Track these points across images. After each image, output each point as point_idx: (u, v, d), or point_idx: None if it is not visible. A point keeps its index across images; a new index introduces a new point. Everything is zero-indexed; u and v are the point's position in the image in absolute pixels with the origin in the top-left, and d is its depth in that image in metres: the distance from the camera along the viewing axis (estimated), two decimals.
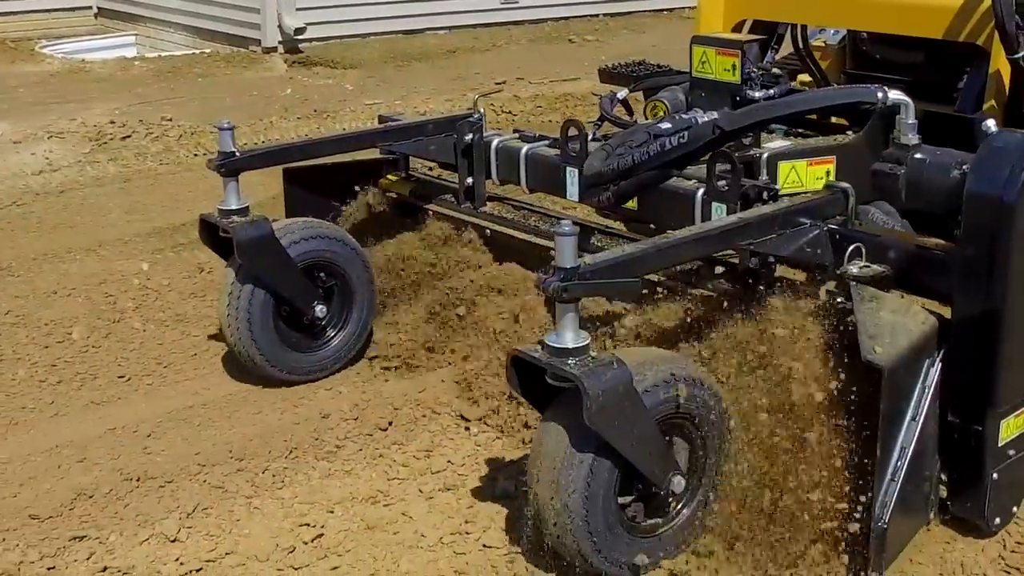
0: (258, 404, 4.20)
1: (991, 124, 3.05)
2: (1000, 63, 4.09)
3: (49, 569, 3.25)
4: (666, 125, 4.08)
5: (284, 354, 4.24)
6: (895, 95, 3.32)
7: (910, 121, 3.29)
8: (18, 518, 3.49)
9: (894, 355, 2.91)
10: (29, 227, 6.29)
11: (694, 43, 4.32)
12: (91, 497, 3.58)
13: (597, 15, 12.78)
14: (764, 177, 3.63)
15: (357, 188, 4.80)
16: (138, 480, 3.67)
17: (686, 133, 3.37)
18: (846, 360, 3.14)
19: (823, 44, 5.40)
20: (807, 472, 3.12)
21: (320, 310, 4.30)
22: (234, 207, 4.14)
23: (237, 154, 4.13)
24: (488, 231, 4.45)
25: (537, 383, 3.04)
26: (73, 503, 3.55)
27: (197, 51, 11.31)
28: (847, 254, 3.25)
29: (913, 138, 3.28)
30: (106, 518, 3.49)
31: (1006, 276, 2.94)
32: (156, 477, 3.70)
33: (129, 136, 7.98)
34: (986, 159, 2.97)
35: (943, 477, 3.22)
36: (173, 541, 3.35)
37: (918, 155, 3.24)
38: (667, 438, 3.08)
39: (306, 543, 3.33)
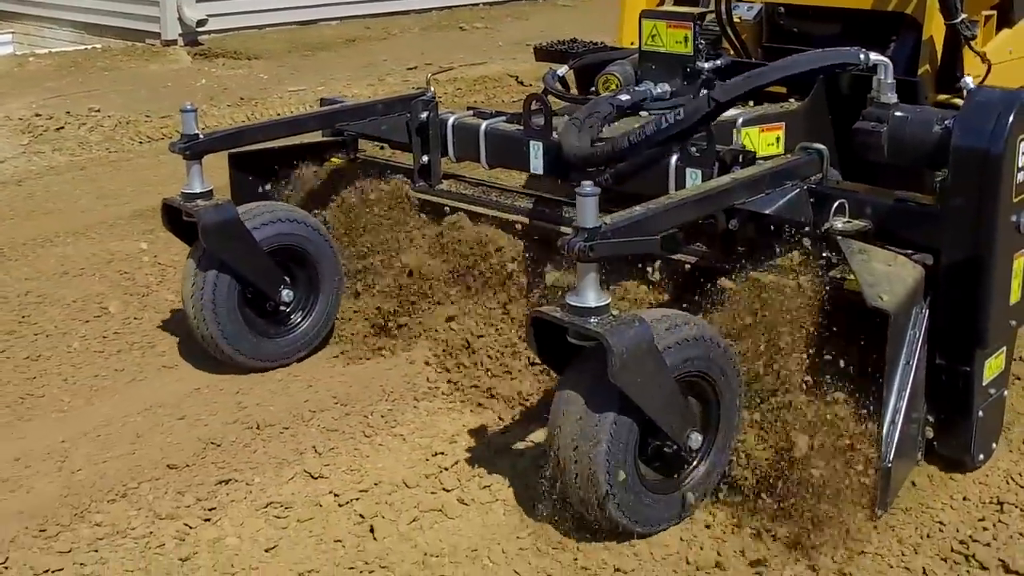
0: (329, 359, 4.35)
1: (969, 81, 3.22)
2: (933, 29, 4.30)
3: (210, 510, 3.36)
4: (625, 97, 4.21)
5: (250, 341, 4.18)
6: (875, 57, 3.48)
7: (889, 81, 3.45)
8: (156, 468, 3.60)
9: (896, 302, 3.05)
10: (3, 215, 6.23)
11: (644, 17, 4.42)
12: (219, 445, 3.72)
13: (478, 3, 13.07)
14: (738, 142, 3.75)
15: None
16: (257, 428, 3.81)
17: (682, 109, 3.46)
18: (833, 311, 3.31)
19: (738, 19, 5.54)
20: (812, 421, 3.27)
21: (286, 295, 4.26)
22: (198, 190, 4.06)
23: (200, 136, 4.06)
24: (447, 208, 4.46)
25: (555, 344, 3.11)
26: (204, 452, 3.69)
27: (87, 47, 11.06)
28: (832, 210, 3.39)
29: (892, 97, 3.44)
30: (241, 463, 3.61)
31: (994, 223, 3.11)
32: (274, 424, 3.83)
33: (63, 127, 7.90)
34: (971, 114, 3.13)
35: (929, 419, 3.39)
36: (317, 477, 3.49)
37: (899, 113, 3.40)
38: (684, 396, 3.17)
39: (447, 469, 3.48)
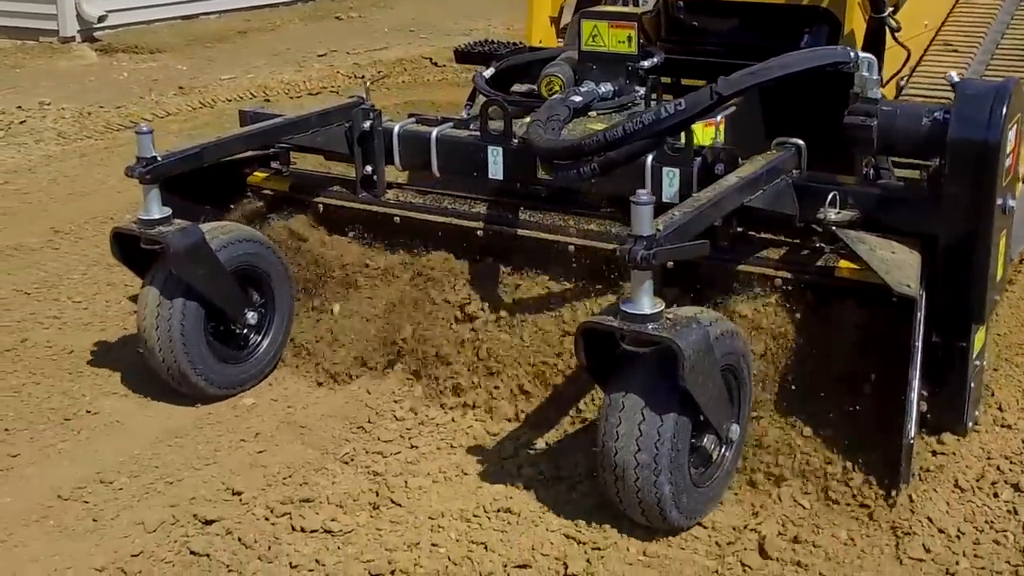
0: None
1: (954, 75, 3.41)
2: (854, 23, 4.53)
3: (466, 405, 3.92)
4: (578, 98, 4.25)
5: (217, 368, 4.01)
6: (863, 55, 3.64)
7: (875, 76, 3.62)
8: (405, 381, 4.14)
9: (917, 287, 3.23)
10: (20, 206, 6.27)
11: (583, 18, 4.47)
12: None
13: None
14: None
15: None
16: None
17: (683, 100, 3.50)
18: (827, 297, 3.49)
19: None
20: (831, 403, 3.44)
21: (251, 317, 4.10)
22: (157, 216, 3.85)
23: (159, 159, 3.84)
24: (397, 218, 4.38)
25: (598, 354, 3.14)
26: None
27: None
28: (827, 202, 3.54)
29: (878, 92, 3.61)
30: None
31: (991, 206, 3.32)
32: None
33: (24, 121, 7.86)
34: (965, 106, 3.32)
35: (923, 393, 3.59)
36: None
37: (886, 107, 3.56)
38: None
39: None
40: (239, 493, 3.49)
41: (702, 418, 3.17)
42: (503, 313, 4.02)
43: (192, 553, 3.21)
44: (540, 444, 3.71)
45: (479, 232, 4.22)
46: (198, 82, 9.11)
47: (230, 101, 8.33)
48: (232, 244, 4.01)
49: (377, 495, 3.46)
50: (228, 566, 3.16)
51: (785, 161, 3.68)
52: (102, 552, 3.23)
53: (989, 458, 3.53)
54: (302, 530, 3.30)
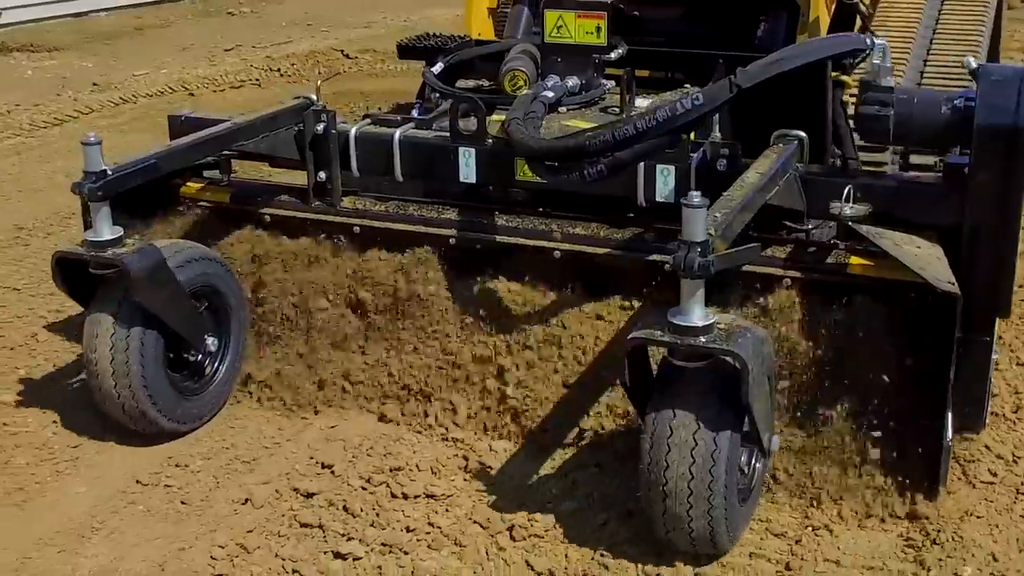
0: None
1: (972, 61, 3.29)
2: (819, 10, 4.39)
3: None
4: (549, 93, 4.01)
5: (177, 403, 3.62)
6: (878, 41, 3.48)
7: (888, 64, 3.46)
8: None
9: (955, 284, 3.09)
10: (16, 192, 6.19)
11: (547, 8, 4.21)
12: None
13: None
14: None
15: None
16: None
17: (700, 95, 3.27)
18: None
19: None
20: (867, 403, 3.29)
21: (212, 343, 3.72)
22: (108, 237, 3.42)
23: (109, 172, 3.41)
24: (357, 228, 4.04)
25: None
26: None
27: None
28: (844, 195, 3.38)
29: (891, 80, 3.46)
30: None
31: (1020, 195, 3.21)
32: None
33: None
34: (991, 93, 3.19)
35: None
36: None
37: (902, 96, 3.42)
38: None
39: None
40: (329, 466, 3.52)
41: (746, 431, 2.97)
42: (496, 322, 3.76)
43: (303, 525, 3.25)
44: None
45: (452, 240, 3.92)
46: (111, 79, 8.85)
47: (151, 96, 8.22)
48: (189, 264, 3.62)
49: (466, 459, 3.53)
50: (344, 535, 3.19)
51: (791, 154, 3.50)
52: (215, 531, 3.23)
53: (1017, 392, 3.83)
54: (404, 496, 3.35)
